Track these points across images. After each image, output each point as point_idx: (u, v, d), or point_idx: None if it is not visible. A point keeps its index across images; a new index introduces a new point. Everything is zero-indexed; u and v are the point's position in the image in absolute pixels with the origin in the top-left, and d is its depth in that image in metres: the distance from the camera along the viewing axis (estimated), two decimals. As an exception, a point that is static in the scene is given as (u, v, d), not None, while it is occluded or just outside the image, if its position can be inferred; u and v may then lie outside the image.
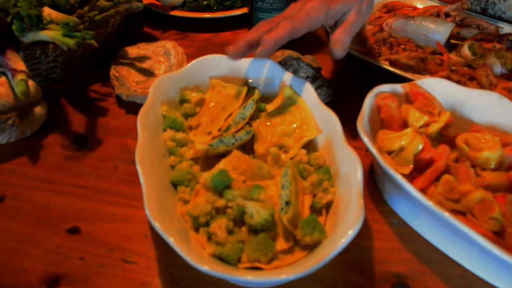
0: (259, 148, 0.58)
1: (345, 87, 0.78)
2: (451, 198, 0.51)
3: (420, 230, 0.55)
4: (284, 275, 0.41)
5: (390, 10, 0.95)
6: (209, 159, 0.58)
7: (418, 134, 0.56)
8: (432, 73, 0.78)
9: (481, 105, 0.63)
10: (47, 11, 0.71)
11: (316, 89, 0.72)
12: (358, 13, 0.64)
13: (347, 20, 0.64)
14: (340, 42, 0.62)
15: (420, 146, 0.54)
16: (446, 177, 0.52)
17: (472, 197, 0.50)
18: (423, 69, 0.79)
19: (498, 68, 0.78)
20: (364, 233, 0.55)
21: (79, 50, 0.74)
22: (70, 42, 0.64)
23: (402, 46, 0.83)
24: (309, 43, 0.90)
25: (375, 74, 0.78)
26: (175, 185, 0.54)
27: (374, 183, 0.62)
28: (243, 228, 0.49)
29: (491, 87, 0.75)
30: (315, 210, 0.51)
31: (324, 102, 0.71)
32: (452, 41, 0.87)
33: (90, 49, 0.78)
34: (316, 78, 0.74)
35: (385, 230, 0.56)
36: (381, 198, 0.60)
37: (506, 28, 0.89)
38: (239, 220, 0.49)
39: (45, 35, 0.67)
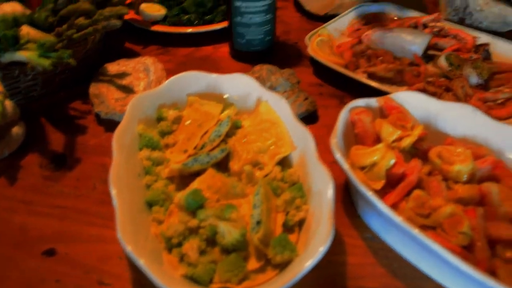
0: (234, 165, 0.59)
1: (324, 100, 0.79)
2: (422, 213, 0.51)
3: (394, 245, 0.56)
4: (253, 296, 0.41)
5: (369, 21, 0.96)
6: (184, 178, 0.58)
7: (390, 149, 0.56)
8: (410, 85, 0.79)
9: (455, 117, 0.64)
10: (26, 30, 0.72)
11: (294, 102, 0.73)
12: None
13: None
14: None
15: (392, 161, 0.55)
16: (416, 192, 0.53)
17: (442, 211, 0.51)
18: (400, 81, 0.80)
19: (474, 79, 0.79)
20: (338, 248, 0.56)
21: (57, 69, 0.75)
22: (46, 62, 0.65)
23: (380, 58, 0.84)
24: (288, 56, 0.91)
25: (353, 86, 0.79)
26: (150, 204, 0.55)
27: (350, 197, 0.63)
28: (216, 248, 0.49)
29: (466, 97, 0.76)
30: (288, 227, 0.52)
31: (302, 116, 0.72)
32: (429, 52, 0.88)
33: (70, 67, 0.78)
34: (294, 92, 0.74)
35: (359, 245, 0.56)
36: (356, 212, 0.60)
37: (483, 38, 0.90)
38: (212, 240, 0.50)
39: (21, 55, 0.67)
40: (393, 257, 0.55)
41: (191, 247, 0.48)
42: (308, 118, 0.75)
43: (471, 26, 0.97)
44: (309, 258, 0.44)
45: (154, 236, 0.51)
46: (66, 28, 0.74)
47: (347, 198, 0.62)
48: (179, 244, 0.49)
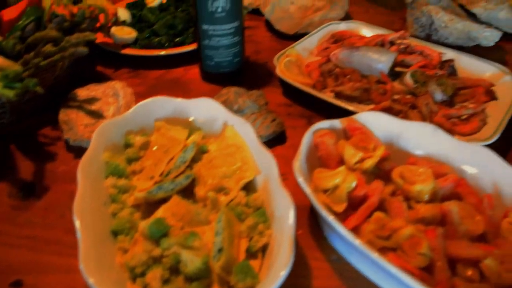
0: (199, 191, 0.59)
1: (293, 121, 0.80)
2: (382, 236, 0.52)
3: (358, 266, 0.56)
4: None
5: (337, 40, 0.98)
6: (150, 205, 0.58)
7: (352, 171, 0.57)
8: (377, 103, 0.80)
9: (417, 136, 0.65)
10: (-7, 58, 0.72)
11: (261, 124, 0.74)
12: None
13: None
14: None
15: (354, 184, 0.56)
16: (377, 214, 0.54)
17: (402, 233, 0.51)
18: (367, 99, 0.81)
19: (439, 95, 0.80)
20: (303, 271, 0.56)
21: (23, 98, 0.75)
22: (10, 94, 0.65)
23: (348, 77, 0.86)
24: (258, 76, 0.92)
25: (322, 106, 0.80)
26: (116, 233, 0.55)
27: (316, 219, 0.63)
28: (180, 277, 0.50)
29: (431, 114, 0.77)
30: (251, 253, 0.52)
31: (270, 137, 0.74)
32: (397, 69, 0.90)
33: (38, 94, 0.78)
34: (261, 114, 0.75)
35: (325, 267, 0.57)
36: (322, 234, 0.61)
37: (448, 54, 0.92)
38: (176, 269, 0.50)
39: (-14, 85, 0.67)
40: (358, 278, 0.56)
41: (154, 276, 0.48)
42: (276, 139, 0.76)
43: (437, 42, 0.99)
44: (270, 284, 0.45)
45: (119, 265, 0.52)
46: (33, 55, 0.75)
47: (313, 220, 0.63)
48: (143, 274, 0.50)
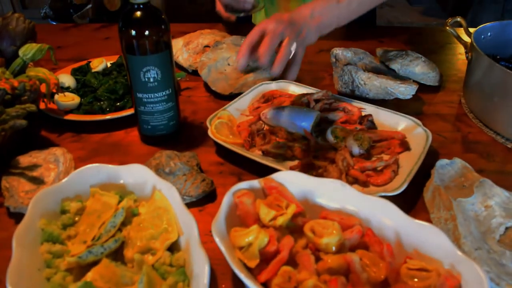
0: (128, 253, 0.64)
1: (224, 179, 0.87)
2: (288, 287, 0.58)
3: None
4: None
5: (268, 99, 1.06)
6: (82, 268, 0.63)
7: (263, 229, 0.64)
8: (300, 159, 0.87)
9: (328, 192, 0.72)
10: None
11: (192, 185, 0.80)
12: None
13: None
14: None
15: (266, 240, 0.62)
16: (283, 268, 0.60)
17: (306, 284, 0.58)
18: (292, 156, 0.89)
19: (356, 150, 0.88)
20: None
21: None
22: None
23: (276, 135, 0.93)
24: (194, 137, 0.99)
25: (251, 164, 0.87)
26: (49, 298, 0.59)
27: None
28: (105, 337, 0.54)
29: (349, 168, 0.85)
30: (172, 309, 0.57)
31: (199, 197, 0.80)
32: (322, 125, 0.98)
33: (-19, 163, 0.83)
34: (192, 175, 0.82)
35: (243, 318, 0.63)
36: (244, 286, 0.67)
37: (368, 109, 1.01)
38: (101, 329, 0.55)
39: None
40: (273, 327, 0.61)
41: (80, 338, 0.53)
42: (207, 197, 0.82)
43: (360, 97, 1.08)
44: None
45: (49, 329, 0.56)
46: (-25, 128, 0.80)
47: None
48: (70, 336, 0.54)
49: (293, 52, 0.90)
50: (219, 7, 1.19)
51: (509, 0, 3.01)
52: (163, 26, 0.85)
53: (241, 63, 0.87)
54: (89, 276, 0.60)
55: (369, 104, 1.02)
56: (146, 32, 0.84)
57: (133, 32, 0.83)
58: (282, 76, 1.02)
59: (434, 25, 3.56)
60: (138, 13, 0.83)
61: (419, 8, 4.02)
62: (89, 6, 2.87)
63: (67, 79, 1.11)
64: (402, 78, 1.12)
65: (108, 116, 1.01)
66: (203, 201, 0.81)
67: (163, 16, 0.85)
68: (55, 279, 0.61)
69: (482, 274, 0.57)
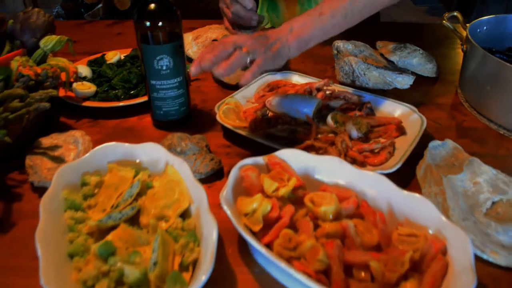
0: (143, 219, 0.71)
1: (231, 159, 0.93)
2: (289, 247, 0.64)
3: (276, 276, 0.68)
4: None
5: (272, 88, 1.12)
6: (102, 232, 0.70)
7: (267, 198, 0.70)
8: (302, 142, 0.94)
9: (327, 168, 0.78)
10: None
11: (202, 163, 0.87)
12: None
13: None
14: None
15: (269, 207, 0.69)
16: (284, 231, 0.66)
17: (305, 245, 0.64)
18: (293, 139, 0.95)
19: (354, 133, 0.94)
20: (231, 283, 0.68)
21: (-7, 146, 0.86)
22: (-17, 143, 0.76)
23: (279, 120, 0.99)
24: (203, 122, 1.05)
25: (256, 146, 0.93)
26: (72, 256, 0.66)
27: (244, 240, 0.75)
28: (124, 287, 0.61)
29: (347, 149, 0.91)
30: (184, 267, 0.64)
31: (208, 174, 0.86)
32: (323, 111, 1.04)
33: (6, 143, 0.89)
34: (201, 154, 0.88)
35: (249, 279, 0.69)
36: (248, 252, 0.73)
37: (367, 97, 1.07)
38: (120, 281, 0.61)
39: (-39, 137, 0.79)
40: (275, 285, 0.67)
41: (102, 287, 0.59)
42: (215, 175, 0.88)
43: (360, 86, 1.14)
44: (194, 286, 0.56)
45: (75, 281, 0.62)
46: (2, 110, 0.86)
47: (242, 241, 0.75)
48: (93, 286, 0.60)
49: (248, 61, 0.84)
50: (227, 24, 1.25)
51: (513, 0, 3.06)
52: (175, 18, 0.92)
53: (193, 72, 0.83)
54: (108, 238, 0.66)
55: (369, 93, 1.08)
56: (160, 23, 0.90)
57: (148, 23, 0.90)
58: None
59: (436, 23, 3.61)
60: (152, 6, 0.90)
61: (424, 7, 4.08)
62: (100, 5, 2.96)
63: (83, 70, 1.18)
64: (401, 69, 1.17)
65: (123, 103, 1.08)
66: (211, 178, 0.88)
67: (175, 9, 0.92)
68: (78, 241, 0.67)
69: (466, 237, 0.62)
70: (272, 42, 0.87)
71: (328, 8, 0.92)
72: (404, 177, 0.87)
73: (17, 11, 1.18)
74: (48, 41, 1.07)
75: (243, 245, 0.74)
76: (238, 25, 1.21)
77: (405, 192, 0.71)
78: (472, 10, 3.21)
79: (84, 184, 0.77)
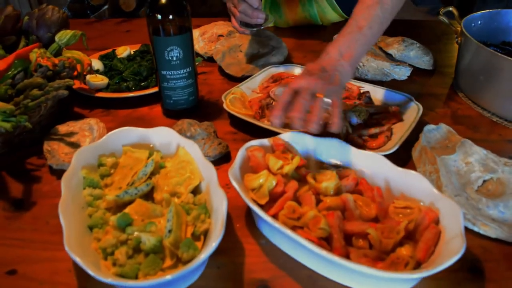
0: (157, 196, 0.76)
1: (237, 144, 0.98)
2: (293, 217, 0.70)
3: (280, 246, 0.74)
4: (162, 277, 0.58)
5: (276, 80, 1.17)
6: (119, 207, 0.75)
7: (272, 174, 0.75)
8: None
9: (327, 149, 0.84)
10: (-11, 101, 0.89)
11: (210, 147, 0.92)
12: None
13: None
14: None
15: (274, 183, 0.74)
16: (289, 203, 0.71)
17: (308, 215, 0.69)
18: (297, 125, 1.00)
19: (354, 120, 1.00)
20: (239, 253, 0.73)
21: (15, 131, 0.91)
22: (7, 125, 0.82)
23: (283, 108, 1.05)
24: (210, 112, 1.11)
25: (260, 133, 0.98)
26: (91, 228, 0.71)
27: (251, 215, 0.81)
28: (141, 254, 0.66)
29: (348, 134, 0.96)
30: (196, 236, 0.69)
31: (216, 157, 0.91)
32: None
33: (26, 129, 0.95)
34: (210, 139, 0.93)
35: (255, 249, 0.74)
36: (255, 225, 0.78)
37: (366, 87, 1.12)
38: (138, 249, 0.66)
39: (-14, 122, 0.84)
40: (280, 255, 0.73)
41: (121, 253, 0.64)
42: (223, 158, 0.94)
43: (360, 77, 1.20)
44: (205, 252, 0.62)
45: (94, 250, 0.68)
46: (23, 98, 0.92)
47: (249, 216, 0.80)
48: (112, 253, 0.66)
49: (327, 104, 0.83)
50: (234, 23, 1.31)
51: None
52: (185, 11, 0.97)
53: (275, 123, 0.83)
54: (126, 211, 0.72)
55: (368, 83, 1.13)
56: (170, 16, 0.96)
57: (159, 16, 0.96)
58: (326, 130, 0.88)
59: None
60: (164, 0, 0.96)
61: (424, 8, 4.14)
62: (106, 7, 3.02)
63: (96, 63, 1.24)
64: (398, 61, 1.23)
65: (134, 94, 1.13)
66: (219, 161, 0.93)
67: (184, 3, 0.98)
68: (97, 215, 0.72)
69: (457, 207, 0.67)
70: (331, 74, 0.87)
71: (363, 19, 0.94)
72: (401, 159, 0.92)
73: (23, 13, 1.24)
74: (63, 36, 1.13)
75: (250, 220, 0.79)
76: (245, 24, 1.26)
77: (401, 169, 0.76)
78: (472, 10, 3.25)
79: (100, 165, 0.83)
